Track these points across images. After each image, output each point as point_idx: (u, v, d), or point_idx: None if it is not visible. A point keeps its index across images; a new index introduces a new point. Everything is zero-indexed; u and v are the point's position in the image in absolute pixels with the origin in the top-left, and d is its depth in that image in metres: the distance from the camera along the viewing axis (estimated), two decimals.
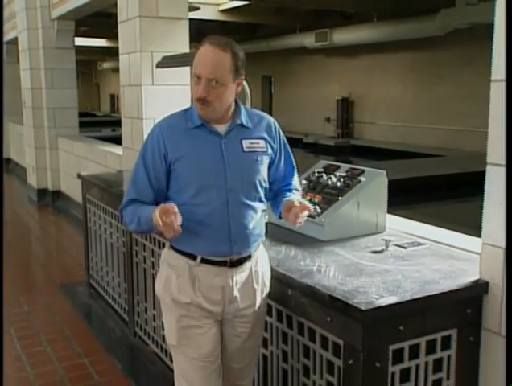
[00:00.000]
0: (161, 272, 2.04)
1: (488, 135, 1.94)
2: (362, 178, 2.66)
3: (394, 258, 2.24)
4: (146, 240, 3.35)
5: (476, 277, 2.01)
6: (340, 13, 13.94)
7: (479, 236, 2.04)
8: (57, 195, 8.47)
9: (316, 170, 2.92)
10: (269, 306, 2.15)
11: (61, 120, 8.29)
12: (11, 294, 4.56)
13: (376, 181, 2.65)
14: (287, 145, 2.11)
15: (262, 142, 1.97)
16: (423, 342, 1.91)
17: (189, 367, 1.97)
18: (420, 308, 1.88)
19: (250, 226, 1.93)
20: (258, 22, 15.35)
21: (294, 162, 2.13)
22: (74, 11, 7.14)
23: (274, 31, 15.89)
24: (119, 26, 4.86)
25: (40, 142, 8.47)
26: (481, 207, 1.98)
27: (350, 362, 1.82)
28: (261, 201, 1.98)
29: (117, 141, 6.10)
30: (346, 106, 16.13)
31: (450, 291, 1.92)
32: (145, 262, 3.43)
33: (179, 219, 1.74)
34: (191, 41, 4.65)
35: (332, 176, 2.79)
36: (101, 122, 16.75)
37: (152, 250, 3.28)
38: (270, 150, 1.99)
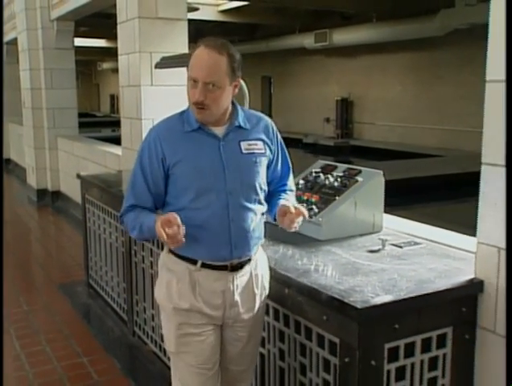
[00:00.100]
0: (161, 278, 2.01)
1: (483, 135, 1.95)
2: (359, 178, 2.67)
3: (390, 257, 2.26)
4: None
5: (472, 276, 2.02)
6: (340, 13, 13.96)
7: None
8: (57, 195, 8.48)
9: (314, 170, 2.93)
10: (266, 305, 2.15)
11: (61, 120, 8.30)
12: (11, 294, 4.57)
13: (373, 181, 2.66)
14: (284, 146, 2.10)
15: (260, 144, 1.95)
16: (419, 341, 1.93)
17: (187, 374, 1.97)
18: (416, 306, 1.90)
19: (251, 229, 1.91)
20: (258, 23, 15.37)
21: (289, 162, 2.13)
22: (73, 12, 7.15)
23: (273, 32, 15.89)
24: (118, 26, 4.88)
25: (40, 143, 8.48)
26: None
27: (346, 360, 1.83)
28: (260, 203, 1.96)
29: (117, 141, 6.10)
30: (346, 106, 16.15)
31: (445, 290, 1.93)
32: (144, 262, 3.44)
33: (182, 231, 1.72)
34: (190, 42, 4.65)
35: (329, 176, 2.80)
36: (100, 123, 16.77)
37: (151, 250, 3.30)
38: (268, 152, 1.98)
